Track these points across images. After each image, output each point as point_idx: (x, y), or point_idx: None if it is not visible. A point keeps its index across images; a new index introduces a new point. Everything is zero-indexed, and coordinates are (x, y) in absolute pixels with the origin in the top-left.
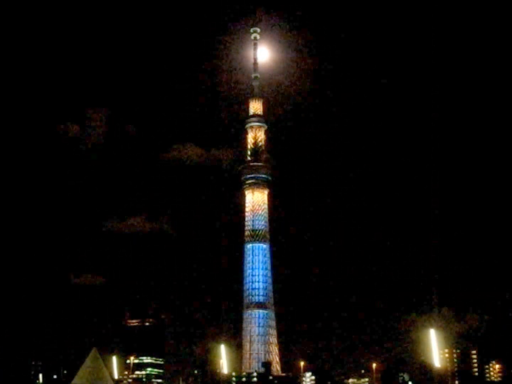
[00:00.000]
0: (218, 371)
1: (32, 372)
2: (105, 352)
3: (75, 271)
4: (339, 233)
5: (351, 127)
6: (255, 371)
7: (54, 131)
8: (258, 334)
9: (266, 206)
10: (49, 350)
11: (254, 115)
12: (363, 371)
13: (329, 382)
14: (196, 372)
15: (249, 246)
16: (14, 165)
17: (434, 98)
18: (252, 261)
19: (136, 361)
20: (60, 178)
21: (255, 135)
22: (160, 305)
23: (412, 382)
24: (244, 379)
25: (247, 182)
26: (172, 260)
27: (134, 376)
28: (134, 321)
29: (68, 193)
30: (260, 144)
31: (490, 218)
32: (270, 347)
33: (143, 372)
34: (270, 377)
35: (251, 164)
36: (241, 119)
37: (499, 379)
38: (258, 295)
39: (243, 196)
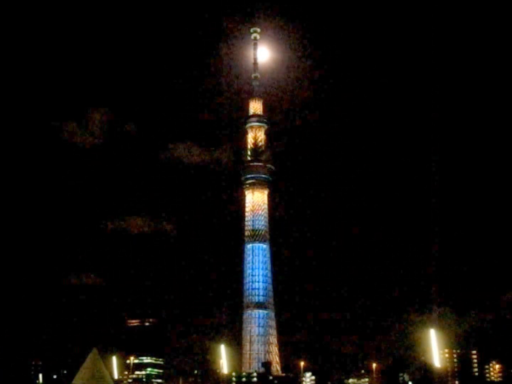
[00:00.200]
0: (218, 371)
1: (32, 372)
2: (105, 352)
3: (75, 271)
4: (339, 233)
5: (351, 127)
6: (255, 371)
7: (54, 131)
8: (258, 334)
9: (266, 206)
10: (49, 350)
11: (254, 115)
12: (363, 371)
13: (329, 382)
14: (196, 372)
15: (249, 246)
16: (14, 165)
17: (434, 98)
18: (252, 261)
19: (136, 361)
20: (60, 177)
21: (255, 135)
22: (160, 305)
23: (412, 382)
24: (244, 379)
25: (247, 182)
26: (172, 260)
27: (134, 376)
28: (134, 321)
29: (68, 193)
30: (260, 144)
31: (490, 218)
32: (270, 347)
33: (143, 372)
34: (270, 377)
35: (251, 164)
36: (241, 119)
37: (499, 379)
38: (258, 295)
39: (243, 196)
